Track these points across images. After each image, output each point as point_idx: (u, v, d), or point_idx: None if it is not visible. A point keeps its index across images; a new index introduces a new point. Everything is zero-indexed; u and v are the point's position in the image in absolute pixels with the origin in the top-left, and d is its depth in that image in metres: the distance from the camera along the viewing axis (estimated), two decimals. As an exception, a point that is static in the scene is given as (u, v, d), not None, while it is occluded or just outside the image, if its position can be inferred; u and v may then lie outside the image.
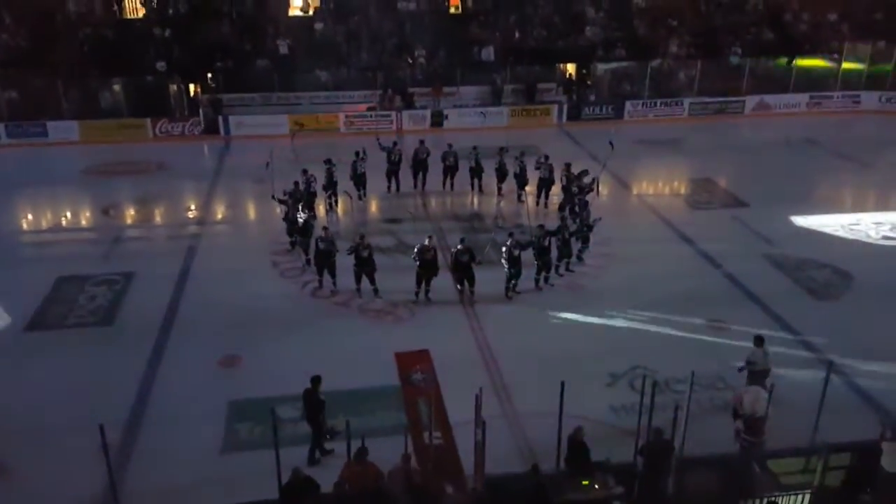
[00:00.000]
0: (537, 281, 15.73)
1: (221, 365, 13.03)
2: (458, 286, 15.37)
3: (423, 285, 15.11)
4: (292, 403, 11.33)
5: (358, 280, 15.22)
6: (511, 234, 15.47)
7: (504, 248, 15.19)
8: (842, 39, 32.04)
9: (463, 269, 15.07)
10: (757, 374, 11.42)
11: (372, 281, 15.22)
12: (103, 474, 8.82)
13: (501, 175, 20.68)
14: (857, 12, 33.32)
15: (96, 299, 15.49)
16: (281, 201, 17.24)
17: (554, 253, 15.83)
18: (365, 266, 15.09)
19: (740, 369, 11.65)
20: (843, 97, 31.39)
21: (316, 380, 10.53)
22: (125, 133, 27.21)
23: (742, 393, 10.47)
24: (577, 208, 17.59)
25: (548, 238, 15.47)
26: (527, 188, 20.44)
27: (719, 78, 31.27)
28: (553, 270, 16.01)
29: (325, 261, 15.38)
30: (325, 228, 15.74)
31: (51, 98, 27.00)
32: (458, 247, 15.06)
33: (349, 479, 8.82)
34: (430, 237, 15.25)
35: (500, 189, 20.89)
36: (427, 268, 14.99)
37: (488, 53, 30.46)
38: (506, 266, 15.11)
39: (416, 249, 15.04)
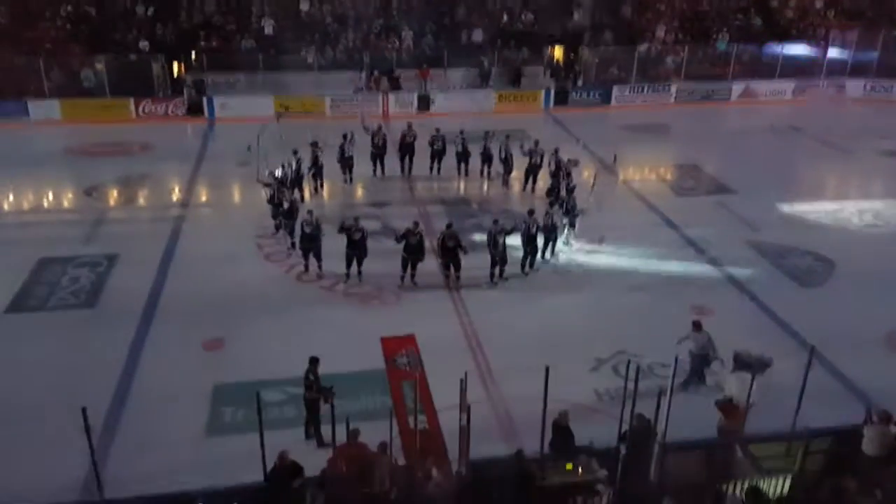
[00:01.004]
0: (523, 266, 15.74)
1: (206, 348, 12.95)
2: (445, 270, 15.34)
3: (409, 269, 15.06)
4: (277, 387, 11.35)
5: (349, 264, 15.16)
6: (496, 221, 15.44)
7: (487, 234, 15.18)
8: (828, 26, 32.15)
9: (449, 254, 15.05)
10: (700, 359, 11.64)
11: (360, 264, 15.17)
12: (86, 458, 8.78)
13: (487, 159, 20.70)
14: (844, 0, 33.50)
15: (79, 281, 15.34)
16: (266, 184, 17.08)
17: (540, 238, 15.84)
18: (356, 249, 15.03)
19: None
20: (829, 85, 31.50)
21: (311, 360, 10.45)
22: (108, 113, 26.92)
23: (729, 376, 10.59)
24: (563, 192, 17.59)
25: (535, 225, 15.47)
26: (513, 173, 20.43)
27: (706, 64, 31.35)
28: (539, 255, 16.02)
29: (310, 244, 15.29)
30: (309, 212, 15.62)
31: (32, 76, 26.58)
32: (445, 231, 15.03)
33: (344, 461, 8.78)
34: (416, 223, 15.15)
35: (484, 172, 20.91)
36: (412, 252, 14.94)
37: (478, 34, 30.33)
38: (490, 252, 15.11)
39: (400, 233, 14.97)
